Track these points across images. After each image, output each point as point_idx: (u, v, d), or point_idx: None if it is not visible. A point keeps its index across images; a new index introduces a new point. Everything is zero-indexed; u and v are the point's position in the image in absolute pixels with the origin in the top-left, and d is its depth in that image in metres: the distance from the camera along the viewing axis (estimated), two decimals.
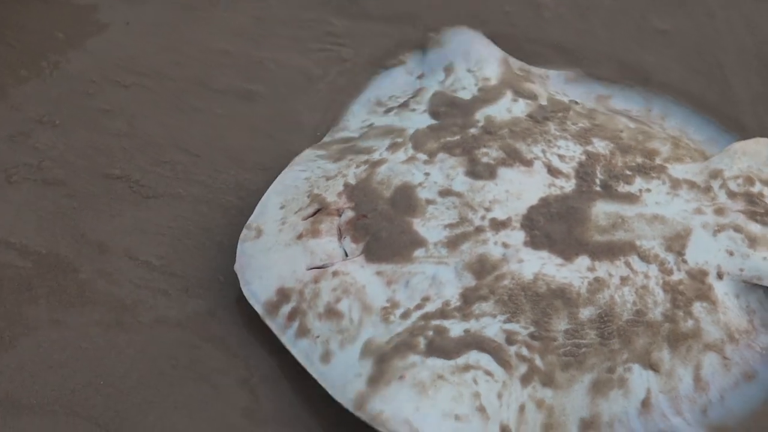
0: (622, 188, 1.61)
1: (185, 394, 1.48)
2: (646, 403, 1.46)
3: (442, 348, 1.48)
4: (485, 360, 1.46)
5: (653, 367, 1.48)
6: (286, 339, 1.49)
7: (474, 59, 1.85)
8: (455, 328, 1.49)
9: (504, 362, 1.46)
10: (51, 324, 1.49)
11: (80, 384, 1.49)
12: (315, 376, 1.46)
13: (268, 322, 1.49)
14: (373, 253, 1.54)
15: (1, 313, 1.55)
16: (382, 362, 1.48)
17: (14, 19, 1.76)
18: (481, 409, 1.43)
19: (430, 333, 1.49)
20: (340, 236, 1.58)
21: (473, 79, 1.81)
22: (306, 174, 1.67)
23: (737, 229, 1.57)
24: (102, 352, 1.51)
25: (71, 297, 1.56)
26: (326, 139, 1.80)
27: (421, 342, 1.49)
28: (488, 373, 1.45)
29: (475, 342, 1.48)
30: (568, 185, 1.60)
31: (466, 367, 1.45)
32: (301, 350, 1.48)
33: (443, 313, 1.50)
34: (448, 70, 1.83)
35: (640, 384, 1.46)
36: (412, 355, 1.47)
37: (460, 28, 1.93)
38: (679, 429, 1.46)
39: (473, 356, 1.46)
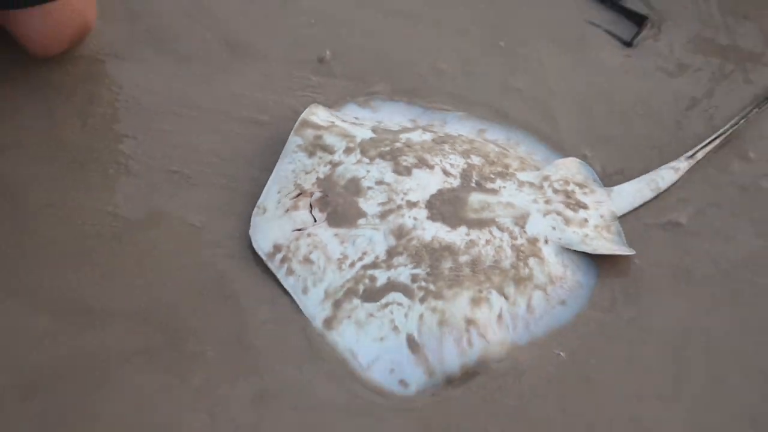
0: (489, 186, 1.82)
1: (221, 316, 1.66)
2: (500, 317, 1.67)
3: (373, 294, 1.70)
4: (398, 296, 1.69)
5: (504, 296, 1.69)
6: (280, 276, 1.71)
7: (396, 121, 2.02)
8: (381, 276, 1.71)
9: (409, 294, 1.69)
10: (135, 265, 1.69)
11: (150, 301, 1.66)
12: (297, 302, 1.69)
13: (269, 265, 1.71)
14: (332, 221, 1.75)
15: (101, 256, 1.71)
16: (338, 306, 1.71)
17: (110, 75, 1.97)
18: (395, 328, 1.66)
19: (366, 281, 1.72)
20: (311, 209, 1.78)
21: (398, 126, 2.00)
22: (292, 166, 1.85)
23: (558, 213, 1.79)
24: (163, 281, 1.69)
25: (145, 247, 1.72)
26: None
27: (360, 288, 1.71)
28: (399, 303, 1.68)
29: (392, 286, 1.70)
30: (455, 182, 1.80)
31: (386, 304, 1.68)
32: (289, 284, 1.70)
33: (375, 264, 1.72)
34: (379, 122, 2.01)
35: (496, 304, 1.67)
36: (355, 299, 1.71)
37: (387, 99, 2.07)
38: (508, 338, 1.66)
39: (391, 296, 1.69)
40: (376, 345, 1.66)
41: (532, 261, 1.72)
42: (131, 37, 2.11)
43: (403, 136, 1.90)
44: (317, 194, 1.80)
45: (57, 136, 1.94)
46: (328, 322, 1.67)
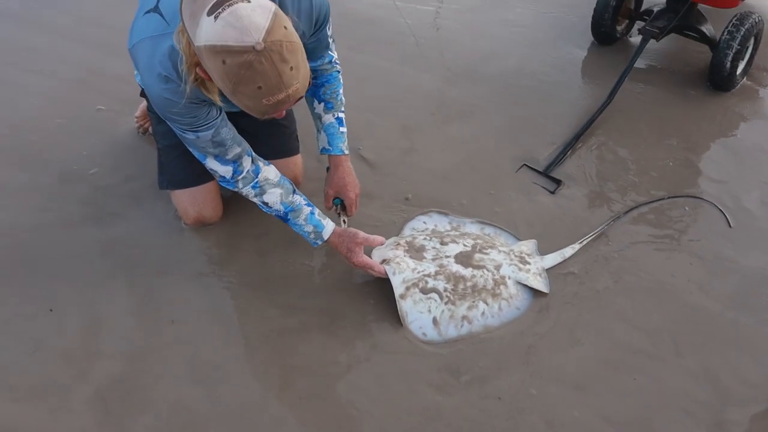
0: (484, 251, 2.23)
1: (354, 293, 2.19)
2: (483, 314, 2.10)
3: (424, 290, 2.10)
4: (435, 296, 2.09)
5: (486, 303, 2.12)
6: (386, 269, 2.13)
7: (442, 223, 2.41)
8: (430, 282, 2.12)
9: (440, 296, 2.10)
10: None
11: (327, 288, 2.18)
12: (390, 279, 2.11)
13: (383, 265, 2.13)
14: (411, 256, 2.18)
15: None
16: (407, 289, 2.11)
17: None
18: (429, 310, 2.08)
19: (422, 283, 2.11)
20: (402, 250, 2.20)
21: (443, 227, 2.38)
22: (395, 238, 2.27)
23: (516, 265, 2.22)
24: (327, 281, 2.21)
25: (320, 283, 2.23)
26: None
27: (419, 285, 2.10)
28: (434, 299, 2.10)
29: (433, 289, 2.11)
30: (468, 249, 2.21)
31: (429, 297, 2.09)
32: (388, 270, 2.13)
33: (428, 276, 2.13)
34: (435, 224, 2.40)
35: (482, 308, 2.11)
36: (415, 289, 2.11)
37: (436, 213, 2.47)
38: (486, 324, 2.10)
39: (432, 294, 2.09)
40: (418, 314, 2.08)
41: (501, 287, 2.16)
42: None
43: (445, 231, 2.35)
44: (405, 246, 2.22)
45: None
46: (402, 296, 2.10)
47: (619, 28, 3.37)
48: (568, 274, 2.30)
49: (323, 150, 2.26)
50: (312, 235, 2.15)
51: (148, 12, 1.76)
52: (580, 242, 2.38)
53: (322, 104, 2.19)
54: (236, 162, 2.00)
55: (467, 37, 3.46)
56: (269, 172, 2.08)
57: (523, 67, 3.26)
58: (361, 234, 2.15)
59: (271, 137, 2.38)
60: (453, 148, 2.79)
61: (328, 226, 2.15)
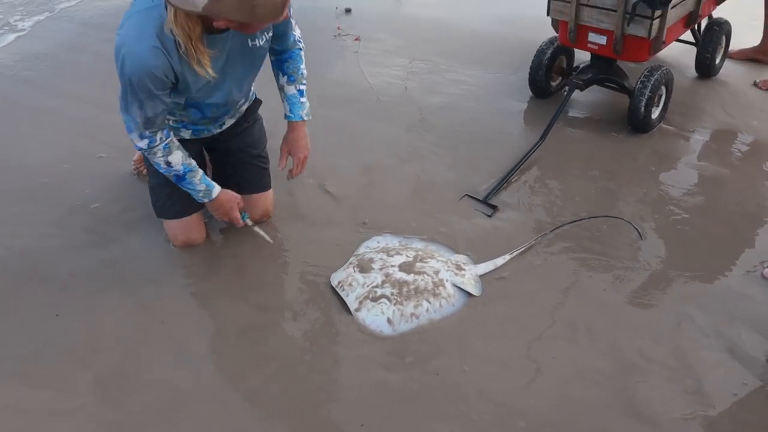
0: (425, 260, 2.53)
1: (318, 308, 2.47)
2: (427, 310, 2.40)
3: (375, 299, 2.40)
4: (385, 300, 2.39)
5: (429, 302, 2.41)
6: (339, 291, 2.45)
7: (393, 242, 2.72)
8: (379, 291, 2.41)
9: (389, 300, 2.39)
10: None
11: (287, 298, 2.52)
12: (345, 299, 2.43)
13: (336, 289, 2.48)
14: (361, 272, 2.50)
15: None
16: (360, 303, 2.41)
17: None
18: (382, 313, 2.37)
19: (373, 293, 2.41)
20: (353, 269, 2.53)
21: (393, 244, 2.67)
22: (351, 259, 2.60)
23: (452, 271, 2.52)
24: (285, 292, 2.65)
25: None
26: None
27: (370, 296, 2.40)
28: (384, 304, 2.39)
29: (382, 296, 2.40)
30: (411, 260, 2.52)
31: (379, 303, 2.39)
32: (343, 294, 2.44)
33: (376, 286, 2.43)
34: (387, 243, 2.72)
35: (426, 306, 2.40)
36: (368, 300, 2.41)
37: (389, 234, 2.80)
38: (430, 317, 2.40)
39: (382, 300, 2.40)
40: (373, 318, 2.38)
41: (440, 288, 2.45)
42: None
43: (391, 246, 2.66)
44: (356, 263, 2.56)
45: None
46: (356, 309, 2.41)
47: (553, 84, 3.85)
48: (499, 279, 2.61)
49: (286, 116, 2.65)
50: (201, 194, 2.53)
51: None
52: (511, 253, 2.68)
53: (285, 77, 2.60)
54: (152, 137, 2.34)
55: (422, 94, 3.87)
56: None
57: (470, 117, 3.66)
58: (240, 199, 2.63)
59: (249, 173, 2.78)
60: (405, 183, 3.14)
61: (217, 187, 2.55)
